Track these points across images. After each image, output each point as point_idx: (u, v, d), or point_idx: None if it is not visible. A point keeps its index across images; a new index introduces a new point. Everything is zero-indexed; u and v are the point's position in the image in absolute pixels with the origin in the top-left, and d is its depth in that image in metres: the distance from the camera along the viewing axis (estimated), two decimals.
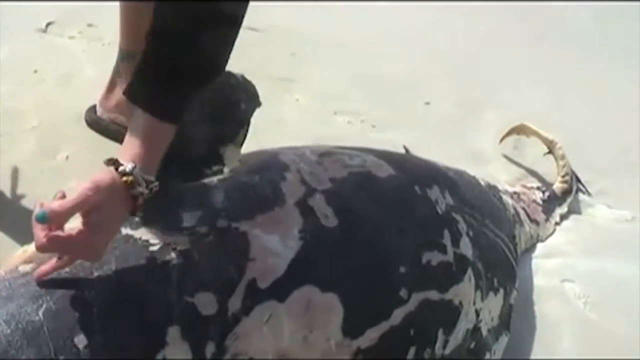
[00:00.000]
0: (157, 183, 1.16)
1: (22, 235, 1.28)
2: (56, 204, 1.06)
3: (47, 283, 1.08)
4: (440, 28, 3.35)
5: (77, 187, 1.08)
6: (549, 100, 2.99)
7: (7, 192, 1.93)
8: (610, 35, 3.70)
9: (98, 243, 1.10)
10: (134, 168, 1.12)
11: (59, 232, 1.05)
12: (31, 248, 1.15)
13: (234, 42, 1.23)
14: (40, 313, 1.04)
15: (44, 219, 1.03)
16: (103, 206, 1.09)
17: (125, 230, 1.15)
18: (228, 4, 1.19)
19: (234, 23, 1.21)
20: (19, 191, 1.93)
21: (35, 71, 2.53)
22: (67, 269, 1.09)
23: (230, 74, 1.28)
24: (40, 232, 1.04)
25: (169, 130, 1.18)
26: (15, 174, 1.97)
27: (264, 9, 3.07)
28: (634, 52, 3.49)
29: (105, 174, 1.12)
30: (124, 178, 1.12)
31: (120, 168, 1.12)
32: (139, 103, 1.18)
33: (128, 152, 1.16)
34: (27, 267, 1.10)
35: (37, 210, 1.05)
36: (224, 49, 1.23)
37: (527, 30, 3.60)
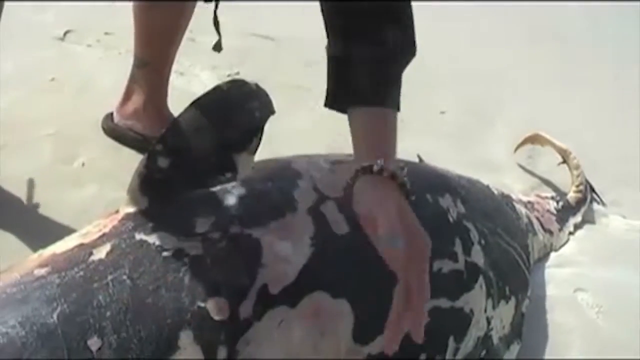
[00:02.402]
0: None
1: (38, 240, 1.29)
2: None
3: (61, 287, 1.08)
4: (452, 36, 3.36)
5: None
6: (563, 109, 3.00)
7: (24, 199, 1.95)
8: (628, 40, 3.69)
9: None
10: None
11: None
12: (46, 252, 1.17)
13: None
14: (55, 316, 1.05)
15: None
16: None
17: (139, 236, 1.16)
18: None
19: None
20: (36, 197, 1.95)
21: (53, 79, 2.55)
22: (81, 273, 1.10)
23: (243, 82, 1.29)
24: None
25: (393, 115, 1.25)
26: (32, 180, 1.99)
27: (278, 18, 3.10)
28: None
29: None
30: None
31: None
32: (357, 102, 1.25)
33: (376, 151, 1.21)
34: (42, 271, 1.11)
35: None
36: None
37: (544, 37, 3.60)
